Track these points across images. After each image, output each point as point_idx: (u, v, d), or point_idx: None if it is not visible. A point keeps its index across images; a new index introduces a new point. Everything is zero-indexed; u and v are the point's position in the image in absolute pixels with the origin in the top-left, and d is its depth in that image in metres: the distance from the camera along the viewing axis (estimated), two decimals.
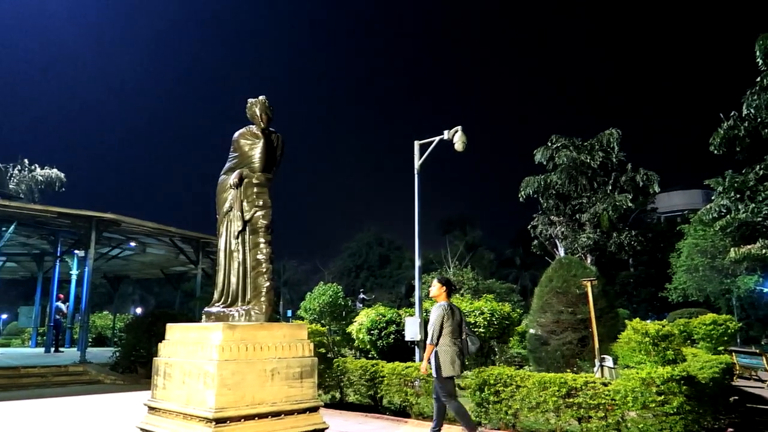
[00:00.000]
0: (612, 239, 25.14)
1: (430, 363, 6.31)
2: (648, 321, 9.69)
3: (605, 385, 6.30)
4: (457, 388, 6.69)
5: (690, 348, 11.96)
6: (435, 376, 6.30)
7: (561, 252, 25.24)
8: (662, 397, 5.75)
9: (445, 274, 25.75)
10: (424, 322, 11.58)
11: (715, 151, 17.18)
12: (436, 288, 6.64)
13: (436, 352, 6.25)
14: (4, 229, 17.56)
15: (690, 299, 25.77)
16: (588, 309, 8.99)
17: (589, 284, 8.90)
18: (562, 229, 25.67)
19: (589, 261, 24.04)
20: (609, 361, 8.26)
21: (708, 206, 17.96)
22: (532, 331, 10.80)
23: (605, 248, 25.41)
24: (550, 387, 6.49)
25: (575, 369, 9.23)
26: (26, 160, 33.93)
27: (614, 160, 25.73)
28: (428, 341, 6.33)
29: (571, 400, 6.34)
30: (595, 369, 8.18)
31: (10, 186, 28.92)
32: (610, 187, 25.55)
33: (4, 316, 33.73)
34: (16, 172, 33.01)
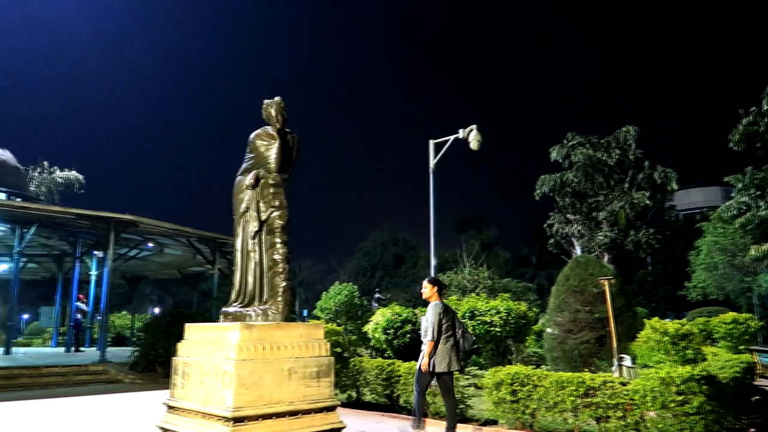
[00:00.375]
0: (629, 237, 24.90)
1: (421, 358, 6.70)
2: (667, 320, 9.59)
3: (624, 384, 6.25)
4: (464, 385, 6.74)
5: (710, 347, 11.80)
6: (418, 367, 6.75)
7: (577, 250, 25.07)
8: (682, 396, 5.69)
9: (461, 273, 25.70)
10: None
11: (735, 148, 16.95)
12: (428, 289, 6.97)
13: (424, 350, 6.68)
14: (25, 230, 17.87)
15: (709, 297, 25.42)
16: (606, 308, 8.91)
17: (606, 283, 8.82)
18: (579, 228, 25.49)
19: (606, 259, 23.85)
20: (627, 361, 8.18)
21: (728, 203, 17.74)
22: (548, 330, 10.73)
23: (622, 246, 25.18)
24: (567, 386, 6.45)
25: (593, 368, 9.14)
26: (46, 162, 34.47)
27: (631, 157, 25.49)
28: (429, 338, 6.65)
29: (589, 399, 6.30)
30: (614, 368, 8.10)
31: (31, 188, 29.36)
32: (627, 185, 25.31)
33: (26, 316, 34.29)
34: (36, 174, 33.51)
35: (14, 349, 18.97)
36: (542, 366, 11.22)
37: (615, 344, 8.33)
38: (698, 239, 25.72)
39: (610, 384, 6.27)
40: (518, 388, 6.92)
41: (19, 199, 20.39)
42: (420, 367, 6.72)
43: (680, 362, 7.43)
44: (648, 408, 5.94)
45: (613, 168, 25.50)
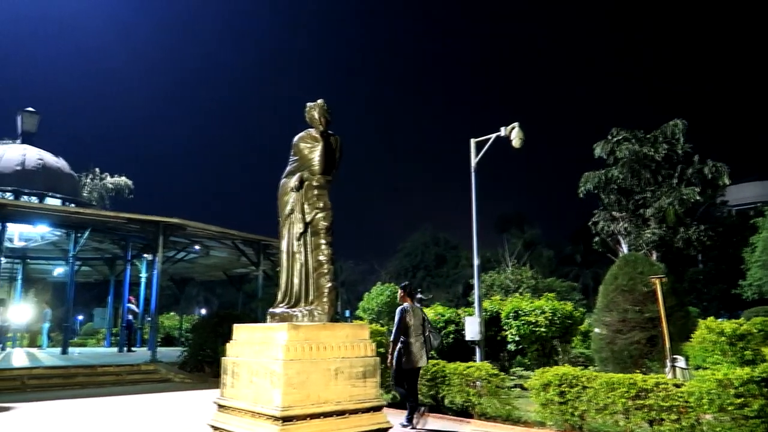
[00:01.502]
0: (679, 234, 24.11)
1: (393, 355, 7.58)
2: (720, 319, 9.24)
3: (678, 386, 6.05)
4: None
5: None
6: (394, 366, 7.58)
7: (624, 249, 24.44)
8: (741, 399, 5.47)
9: (503, 273, 25.41)
10: (484, 322, 11.48)
11: None
12: (399, 294, 8.07)
13: (401, 347, 7.47)
14: (79, 235, 18.60)
15: (766, 296, 24.36)
16: (656, 307, 8.65)
17: (658, 282, 8.56)
18: (625, 225, 24.84)
19: (654, 257, 23.15)
20: (681, 362, 7.91)
21: None
22: (597, 330, 10.50)
23: (672, 244, 24.41)
24: (618, 388, 6.29)
25: (644, 370, 8.89)
26: (97, 169, 35.80)
27: (680, 152, 24.68)
28: (392, 338, 7.63)
29: (641, 401, 6.13)
30: (666, 370, 7.85)
31: (84, 194, 30.54)
32: (675, 181, 24.52)
33: (80, 318, 35.68)
34: (88, 180, 34.84)
35: (71, 349, 19.76)
36: (590, 367, 10.99)
37: (668, 345, 8.07)
38: (753, 236, 24.67)
39: (664, 386, 6.07)
40: (566, 389, 6.78)
41: (73, 205, 21.23)
42: (396, 366, 7.57)
43: (738, 363, 7.13)
44: (704, 411, 5.74)
45: (660, 163, 24.74)
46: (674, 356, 8.11)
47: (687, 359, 8.42)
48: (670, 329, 8.60)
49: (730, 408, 5.52)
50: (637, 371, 7.52)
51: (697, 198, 23.63)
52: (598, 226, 25.96)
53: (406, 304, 7.67)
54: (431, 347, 7.78)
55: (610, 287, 10.46)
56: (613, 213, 25.39)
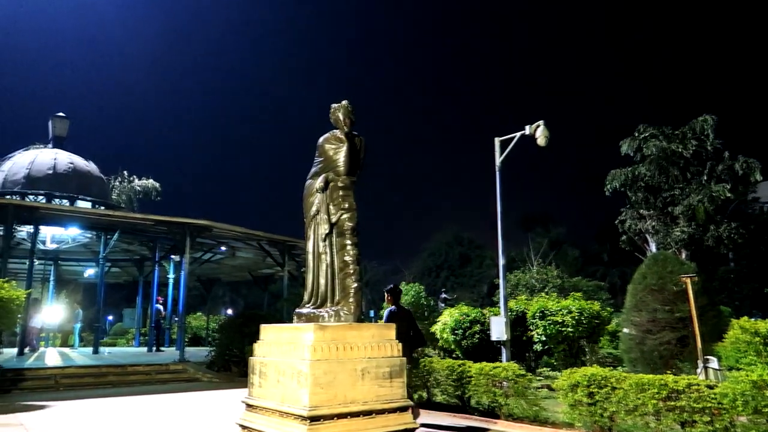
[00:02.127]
0: (709, 232, 23.57)
1: None
2: (754, 319, 9.02)
3: (710, 387, 5.92)
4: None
5: None
6: None
7: (652, 247, 24.01)
8: None
9: (529, 273, 25.17)
10: (510, 322, 11.39)
11: None
12: (386, 297, 8.38)
13: None
14: (109, 237, 18.99)
15: None
16: (687, 307, 8.48)
17: (689, 281, 8.40)
18: (653, 223, 24.39)
19: (684, 256, 22.68)
20: (714, 363, 7.75)
21: None
22: (625, 330, 10.34)
23: (702, 242, 23.87)
24: (648, 389, 6.18)
25: (674, 371, 8.73)
26: (125, 172, 36.47)
27: (709, 148, 24.13)
28: None
29: (672, 403, 6.01)
30: (698, 371, 7.70)
31: (113, 197, 31.13)
32: (705, 177, 23.99)
33: (110, 318, 36.40)
34: (116, 183, 35.50)
35: (101, 349, 20.21)
36: (618, 368, 10.84)
37: (699, 345, 7.91)
38: None
39: (696, 387, 5.95)
40: (595, 390, 6.69)
41: (102, 208, 21.67)
42: None
43: None
44: (738, 413, 5.61)
45: (689, 160, 24.23)
46: (706, 357, 7.95)
47: (719, 360, 8.24)
48: (702, 329, 8.43)
49: (765, 410, 5.38)
50: (668, 372, 7.38)
51: (728, 195, 23.06)
52: (625, 225, 25.54)
53: (392, 307, 8.14)
54: (414, 347, 8.31)
55: (638, 286, 10.30)
56: (641, 211, 24.95)
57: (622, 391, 6.44)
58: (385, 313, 8.15)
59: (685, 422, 5.94)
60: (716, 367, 7.77)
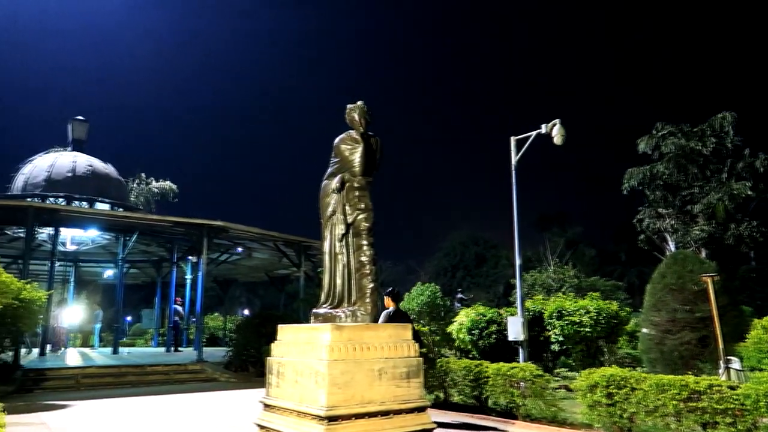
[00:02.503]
0: (729, 231, 23.26)
1: None
2: None
3: (733, 388, 5.83)
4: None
5: None
6: None
7: (671, 246, 23.74)
8: None
9: (545, 272, 25.03)
10: (527, 322, 11.33)
11: None
12: (386, 299, 8.44)
13: None
14: (127, 238, 19.22)
15: None
16: (708, 306, 8.37)
17: (710, 280, 8.28)
18: (672, 222, 24.12)
19: (703, 255, 22.38)
20: (736, 363, 7.63)
21: None
22: (645, 330, 10.23)
23: (722, 241, 23.55)
24: (669, 390, 6.10)
25: (695, 371, 8.62)
26: (143, 174, 36.88)
27: (729, 145, 23.81)
28: None
29: (693, 404, 5.93)
30: (720, 371, 7.59)
31: (131, 198, 31.49)
32: (725, 175, 23.66)
33: (129, 318, 36.84)
34: (134, 185, 35.92)
35: (121, 349, 20.45)
36: (637, 368, 10.73)
37: (721, 345, 7.80)
38: None
39: (717, 388, 5.86)
40: (614, 390, 6.63)
41: (121, 209, 21.93)
42: None
43: None
44: (761, 414, 5.51)
45: (708, 157, 23.93)
46: (728, 357, 7.84)
47: (741, 360, 8.12)
48: (723, 329, 8.32)
49: None
50: (688, 373, 7.29)
51: (749, 193, 22.74)
52: (643, 224, 25.28)
53: (390, 309, 8.25)
54: None
55: (658, 286, 10.18)
56: (659, 210, 24.68)
57: (641, 391, 6.37)
58: (383, 314, 8.13)
59: (706, 424, 5.85)
60: (738, 367, 7.66)
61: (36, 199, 20.27)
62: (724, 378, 7.31)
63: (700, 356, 9.12)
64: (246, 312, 40.72)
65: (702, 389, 5.91)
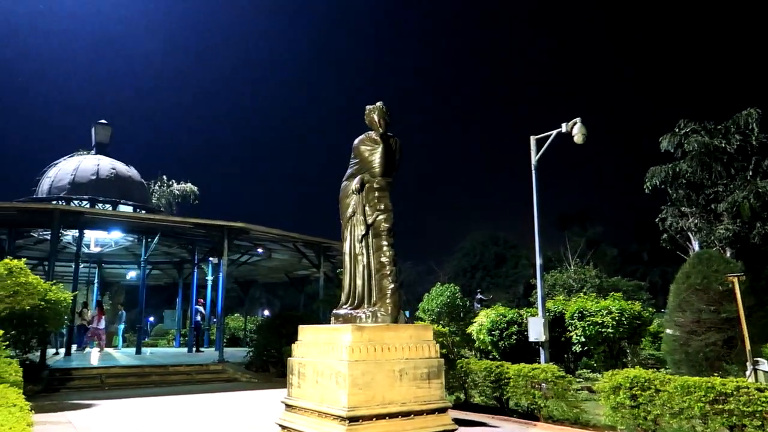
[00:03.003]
0: (755, 230, 22.75)
1: None
2: None
3: (761, 390, 5.71)
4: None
5: None
6: None
7: (695, 246, 23.32)
8: None
9: (566, 273, 24.78)
10: (548, 323, 11.22)
11: None
12: None
13: None
14: (149, 240, 19.47)
15: None
16: (734, 307, 8.21)
17: (736, 280, 8.12)
18: (696, 221, 23.67)
19: (728, 254, 21.96)
20: (764, 365, 7.47)
21: None
22: (669, 331, 10.07)
23: (747, 240, 23.05)
24: (694, 392, 6.00)
25: (721, 373, 8.46)
26: (164, 176, 37.35)
27: (754, 142, 23.29)
28: None
29: (720, 406, 5.82)
30: (748, 373, 7.44)
31: (153, 201, 31.88)
32: (750, 173, 23.16)
33: (151, 319, 37.33)
34: (156, 188, 36.38)
35: (144, 349, 20.71)
36: (661, 369, 10.57)
37: (748, 347, 7.65)
38: None
39: (745, 390, 5.74)
40: (638, 392, 6.54)
41: (143, 212, 22.23)
42: None
43: None
44: None
45: (733, 155, 23.44)
46: (756, 359, 7.68)
47: None
48: (750, 330, 8.15)
49: None
50: (714, 374, 7.16)
51: None
52: (665, 223, 24.87)
53: None
54: None
55: (682, 286, 10.02)
56: (682, 208, 24.24)
57: (666, 393, 6.27)
58: None
59: (734, 426, 5.74)
60: (766, 369, 7.50)
61: (61, 201, 20.62)
62: (751, 380, 7.17)
63: (725, 358, 8.96)
64: (266, 313, 40.99)
65: (729, 391, 5.80)
